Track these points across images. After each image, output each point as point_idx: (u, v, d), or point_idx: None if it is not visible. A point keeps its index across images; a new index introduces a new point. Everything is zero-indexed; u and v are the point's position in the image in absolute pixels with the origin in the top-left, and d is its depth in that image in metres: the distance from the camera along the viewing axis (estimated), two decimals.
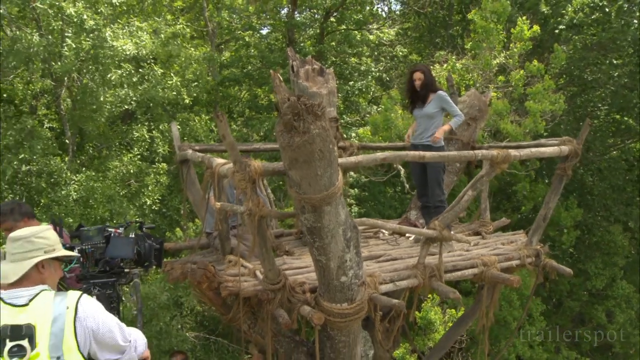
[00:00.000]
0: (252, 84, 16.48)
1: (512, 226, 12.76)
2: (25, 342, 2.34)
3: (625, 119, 15.98)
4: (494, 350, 13.50)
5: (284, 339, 5.21)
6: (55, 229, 4.28)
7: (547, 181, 16.57)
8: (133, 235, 4.04)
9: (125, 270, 4.06)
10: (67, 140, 12.02)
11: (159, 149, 11.49)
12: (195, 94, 13.23)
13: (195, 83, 13.17)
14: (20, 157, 9.37)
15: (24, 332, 2.36)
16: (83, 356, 2.53)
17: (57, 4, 9.42)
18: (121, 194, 10.40)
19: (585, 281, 16.01)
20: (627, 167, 16.78)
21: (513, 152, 4.93)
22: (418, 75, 6.21)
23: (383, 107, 11.16)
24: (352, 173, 14.69)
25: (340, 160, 3.95)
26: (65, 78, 10.79)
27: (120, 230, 4.11)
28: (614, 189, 16.28)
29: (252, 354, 6.41)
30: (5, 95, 11.96)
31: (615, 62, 13.48)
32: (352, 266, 4.06)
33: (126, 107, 11.03)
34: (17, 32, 9.71)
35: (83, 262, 3.94)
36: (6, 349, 2.32)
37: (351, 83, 14.33)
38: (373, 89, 15.34)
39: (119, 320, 2.80)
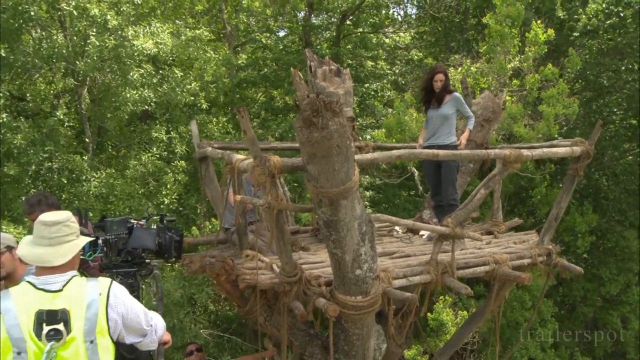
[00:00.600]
0: (269, 86, 16.71)
1: (526, 230, 12.79)
2: (61, 326, 2.46)
3: (632, 121, 15.93)
4: (507, 351, 13.54)
5: (299, 332, 5.34)
6: (80, 220, 4.44)
7: (561, 185, 16.55)
8: (155, 227, 4.20)
9: (147, 260, 4.21)
10: (87, 139, 12.30)
11: (177, 149, 11.72)
12: (213, 96, 13.47)
13: (214, 85, 13.41)
14: (46, 148, 9.64)
15: (60, 316, 2.47)
16: (112, 340, 2.67)
17: (82, 5, 9.69)
18: (140, 192, 10.64)
19: (599, 287, 15.97)
20: None
21: (525, 151, 5.02)
22: (440, 77, 6.33)
23: (396, 110, 11.28)
24: (367, 176, 14.84)
25: (356, 156, 4.08)
26: (87, 78, 11.06)
27: (143, 222, 4.26)
28: (629, 193, 16.22)
29: (267, 347, 6.56)
30: (28, 95, 12.24)
31: (630, 67, 13.46)
32: (366, 260, 4.18)
33: (146, 107, 11.29)
34: (43, 34, 10.00)
35: (106, 252, 4.09)
36: (44, 332, 2.42)
37: (366, 85, 14.47)
38: (388, 93, 15.46)
39: (143, 306, 2.95)
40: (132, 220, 4.24)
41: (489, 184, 5.00)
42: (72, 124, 12.52)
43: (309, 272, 4.67)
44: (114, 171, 10.66)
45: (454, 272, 5.02)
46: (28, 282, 2.53)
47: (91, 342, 2.53)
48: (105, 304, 2.61)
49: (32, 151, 9.57)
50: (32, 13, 9.40)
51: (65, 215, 2.78)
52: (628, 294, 15.79)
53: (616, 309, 15.88)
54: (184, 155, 11.93)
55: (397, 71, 16.91)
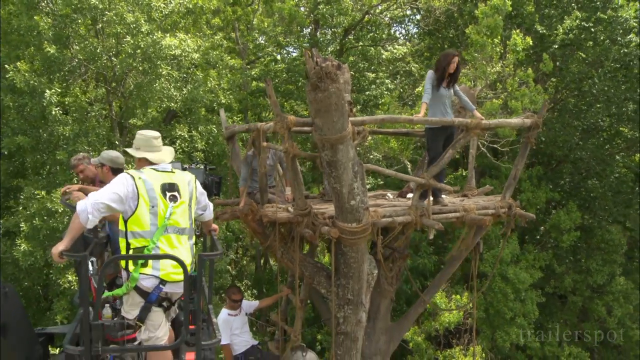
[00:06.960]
0: (279, 97, 18.30)
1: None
2: (176, 193, 3.85)
3: (621, 128, 17.33)
4: (496, 337, 14.79)
5: (308, 264, 6.74)
6: None
7: (550, 187, 17.97)
8: (202, 168, 5.71)
9: None
10: (116, 142, 13.86)
11: (197, 144, 13.30)
12: (229, 102, 15.07)
13: (229, 91, 15.02)
14: (89, 139, 11.29)
15: (175, 187, 3.87)
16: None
17: (120, 13, 11.45)
18: None
19: (587, 277, 17.19)
20: (632, 178, 17.94)
21: (484, 121, 6.46)
22: (456, 60, 6.83)
23: (387, 105, 12.66)
24: (370, 178, 16.25)
25: (350, 118, 5.54)
26: (120, 84, 12.66)
27: (193, 166, 5.78)
28: (613, 192, 17.53)
29: (282, 289, 7.96)
30: (66, 102, 13.83)
31: (605, 75, 14.91)
32: (358, 193, 5.60)
33: (172, 105, 12.89)
34: (86, 42, 11.68)
35: None
36: (167, 196, 3.79)
37: (367, 93, 16.01)
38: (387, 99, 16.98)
39: None
40: (185, 165, 5.75)
41: (456, 145, 6.42)
42: (103, 129, 14.08)
43: (316, 209, 6.09)
44: None
45: (429, 215, 6.41)
46: (151, 168, 3.89)
47: (189, 206, 3.96)
48: (195, 184, 4.09)
49: (78, 141, 11.31)
50: (80, 21, 11.18)
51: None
52: (612, 284, 17.01)
53: (601, 299, 17.07)
54: (203, 149, 13.48)
55: (397, 81, 18.43)
